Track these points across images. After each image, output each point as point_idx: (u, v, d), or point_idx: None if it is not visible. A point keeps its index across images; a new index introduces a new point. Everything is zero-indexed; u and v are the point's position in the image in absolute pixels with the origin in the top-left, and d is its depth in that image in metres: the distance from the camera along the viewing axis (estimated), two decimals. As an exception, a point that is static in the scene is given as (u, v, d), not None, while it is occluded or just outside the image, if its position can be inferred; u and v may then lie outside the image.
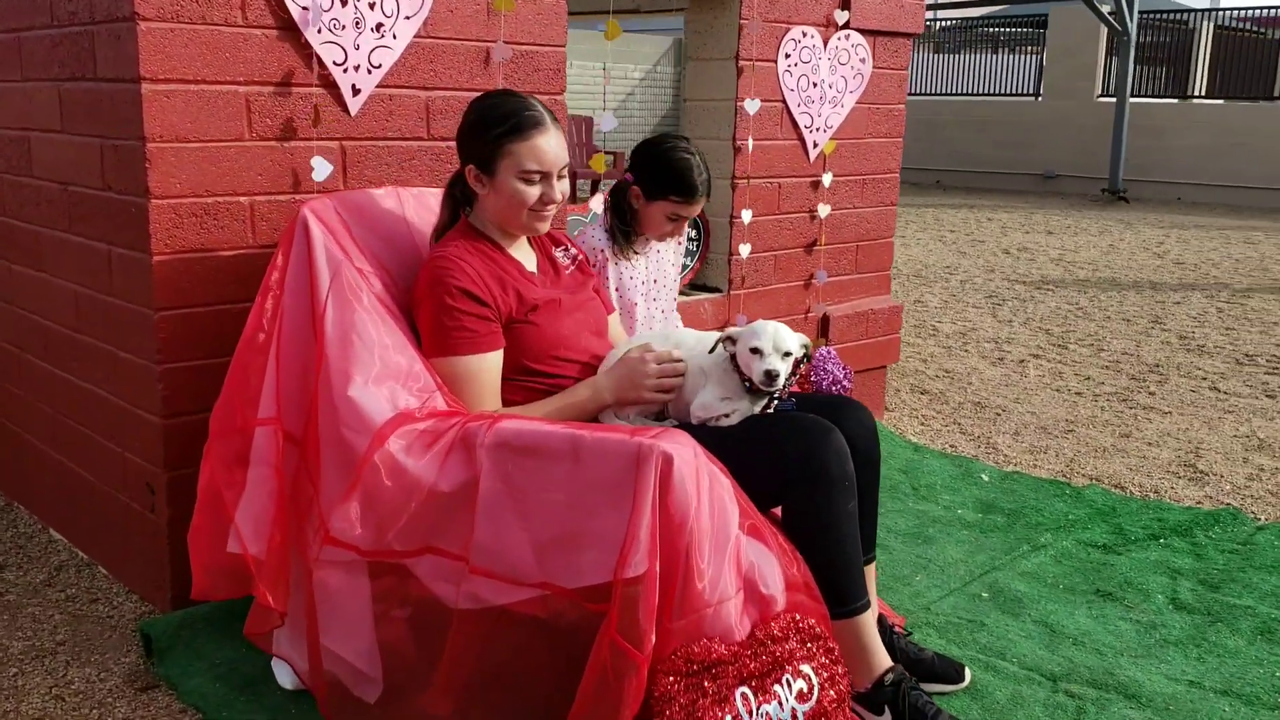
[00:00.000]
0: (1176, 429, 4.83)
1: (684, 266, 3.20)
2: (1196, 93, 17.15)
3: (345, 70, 2.88)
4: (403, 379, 2.33)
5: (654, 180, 3.00)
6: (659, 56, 20.31)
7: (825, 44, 4.13)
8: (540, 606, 2.16)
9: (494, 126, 2.44)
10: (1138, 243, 11.26)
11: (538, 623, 2.18)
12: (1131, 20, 14.67)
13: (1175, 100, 17.05)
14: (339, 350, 2.32)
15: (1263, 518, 3.81)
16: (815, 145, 4.20)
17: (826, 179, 4.28)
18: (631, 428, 2.23)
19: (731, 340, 2.44)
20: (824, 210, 4.29)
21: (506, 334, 2.46)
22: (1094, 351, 6.32)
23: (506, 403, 2.48)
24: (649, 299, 3.13)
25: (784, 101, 4.08)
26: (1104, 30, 16.21)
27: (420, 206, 2.80)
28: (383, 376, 2.31)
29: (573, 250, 2.78)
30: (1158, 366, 5.97)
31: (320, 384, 2.33)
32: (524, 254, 2.63)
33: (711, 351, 2.46)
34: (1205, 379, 5.72)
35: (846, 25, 4.18)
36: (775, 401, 2.45)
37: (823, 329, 4.39)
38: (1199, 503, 3.94)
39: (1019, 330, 6.91)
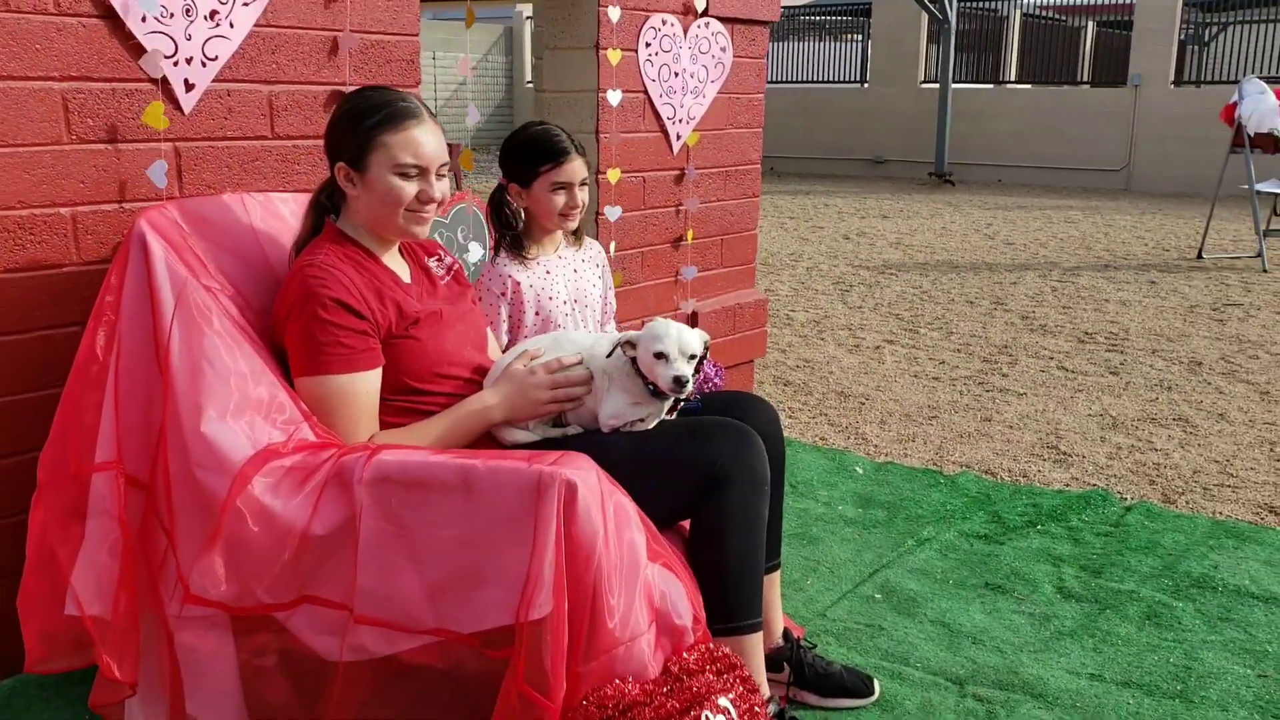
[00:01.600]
0: (1034, 410, 4.91)
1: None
2: (1009, 78, 17.84)
3: (176, 64, 2.59)
4: (264, 410, 2.08)
5: (521, 162, 2.80)
6: (490, 45, 19.95)
7: (686, 32, 4.00)
8: (436, 655, 1.96)
9: (365, 118, 2.22)
10: (968, 224, 11.60)
11: (435, 673, 1.98)
12: (951, 9, 15.13)
13: (991, 86, 17.70)
14: (188, 381, 2.06)
15: (1128, 497, 3.88)
16: (679, 137, 4.08)
17: (692, 172, 4.15)
18: (527, 453, 2.04)
19: (631, 344, 2.28)
20: (692, 204, 4.16)
21: (385, 350, 2.25)
22: (944, 335, 6.42)
23: (385, 426, 2.26)
24: (574, 321, 2.92)
25: (646, 92, 3.93)
26: (924, 18, 16.69)
27: (268, 214, 2.54)
28: (241, 409, 2.06)
29: (447, 259, 2.57)
30: (1006, 348, 6.09)
31: (168, 420, 2.06)
32: (397, 264, 2.41)
33: (609, 356, 2.30)
34: (1052, 359, 5.86)
35: (705, 13, 4.06)
36: (682, 402, 2.30)
37: (691, 325, 4.27)
38: (1067, 485, 3.99)
39: (870, 316, 6.97)
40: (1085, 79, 17.61)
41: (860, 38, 18.73)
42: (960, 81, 17.28)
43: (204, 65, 2.64)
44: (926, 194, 14.89)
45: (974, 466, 4.18)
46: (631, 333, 2.32)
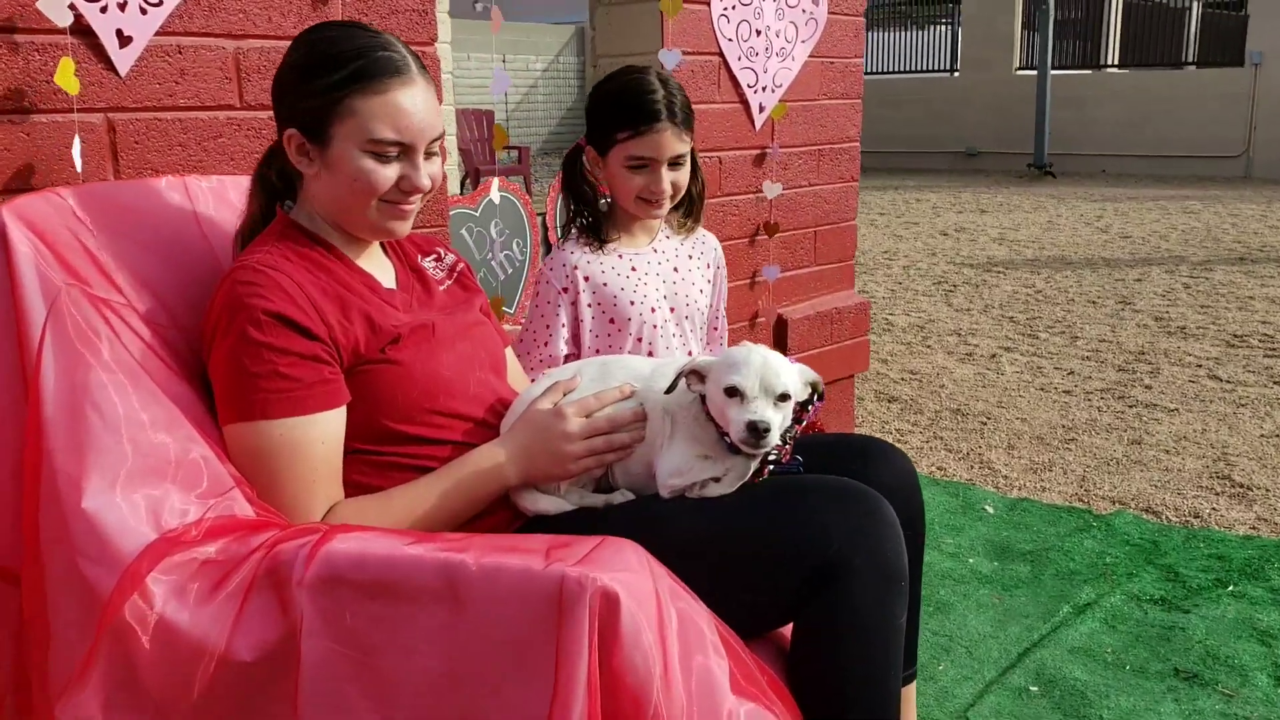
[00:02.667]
0: (1192, 430, 4.11)
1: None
2: (1110, 62, 16.77)
3: (105, 8, 1.98)
4: (173, 474, 1.45)
5: (598, 122, 2.14)
6: (561, 47, 19.44)
7: None
8: None
9: (328, 69, 1.60)
10: (1076, 218, 10.69)
11: None
12: (1049, -12, 14.18)
13: (1090, 71, 16.65)
14: (66, 434, 1.43)
15: (1338, 544, 3.08)
16: (762, 109, 3.38)
17: (776, 151, 3.45)
18: (547, 539, 1.38)
19: (699, 374, 1.61)
20: (773, 190, 3.46)
21: (354, 381, 1.61)
22: (1069, 340, 5.62)
23: (355, 489, 1.62)
24: (669, 340, 2.22)
25: (721, 54, 3.24)
26: (1019, 1, 15.74)
27: (220, 202, 1.91)
28: (138, 474, 1.42)
29: (448, 258, 1.92)
30: (1143, 354, 5.28)
31: (42, 488, 1.43)
32: (376, 264, 1.77)
33: (670, 391, 1.62)
34: (1200, 366, 5.04)
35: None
36: (772, 464, 1.62)
37: (778, 337, 3.57)
38: (1254, 529, 3.21)
39: (980, 319, 6.19)
40: (1191, 60, 16.46)
41: (949, 23, 17.79)
42: (1058, 68, 16.27)
43: (143, 12, 2.03)
44: (1025, 186, 13.94)
45: (1130, 504, 3.41)
46: (701, 358, 1.64)
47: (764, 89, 3.37)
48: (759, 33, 3.30)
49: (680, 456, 1.60)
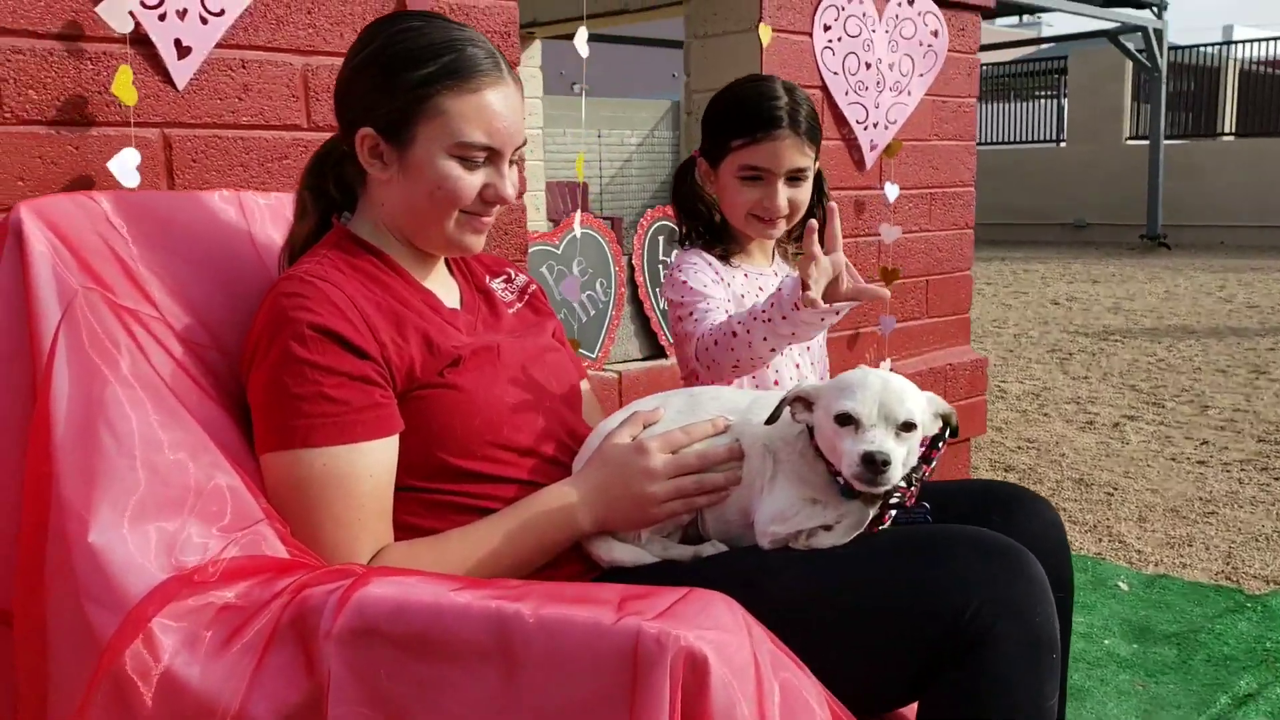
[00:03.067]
0: (1351, 505, 3.70)
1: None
2: (1226, 131, 16.20)
3: (163, 15, 1.85)
4: (192, 504, 1.25)
5: (716, 129, 1.93)
6: (656, 121, 19.57)
7: (881, 13, 3.10)
8: None
9: (416, 64, 1.43)
10: (1195, 288, 10.18)
11: None
12: (1161, 57, 13.76)
13: (1204, 140, 16.10)
14: (74, 457, 1.25)
15: None
16: (873, 147, 3.15)
17: (891, 192, 3.21)
18: (621, 589, 1.14)
19: (805, 402, 1.37)
20: (891, 234, 3.21)
21: (408, 408, 1.42)
22: (1198, 409, 5.21)
23: (406, 532, 1.41)
24: (791, 377, 1.97)
25: (824, 88, 3.03)
26: (1129, 70, 15.34)
27: (278, 220, 1.75)
28: (152, 503, 1.24)
29: (519, 279, 1.72)
30: (1285, 424, 4.85)
31: (50, 517, 1.25)
32: (440, 283, 1.58)
33: (772, 421, 1.38)
34: (1352, 437, 4.60)
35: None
36: (895, 508, 1.36)
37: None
38: None
39: (1100, 387, 5.80)
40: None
41: (1055, 94, 17.42)
42: (1170, 137, 15.77)
43: (204, 21, 1.90)
44: (1139, 258, 13.41)
45: (1288, 583, 3.04)
46: (808, 383, 1.40)
47: (875, 125, 3.14)
48: (869, 65, 3.09)
49: (784, 500, 1.36)
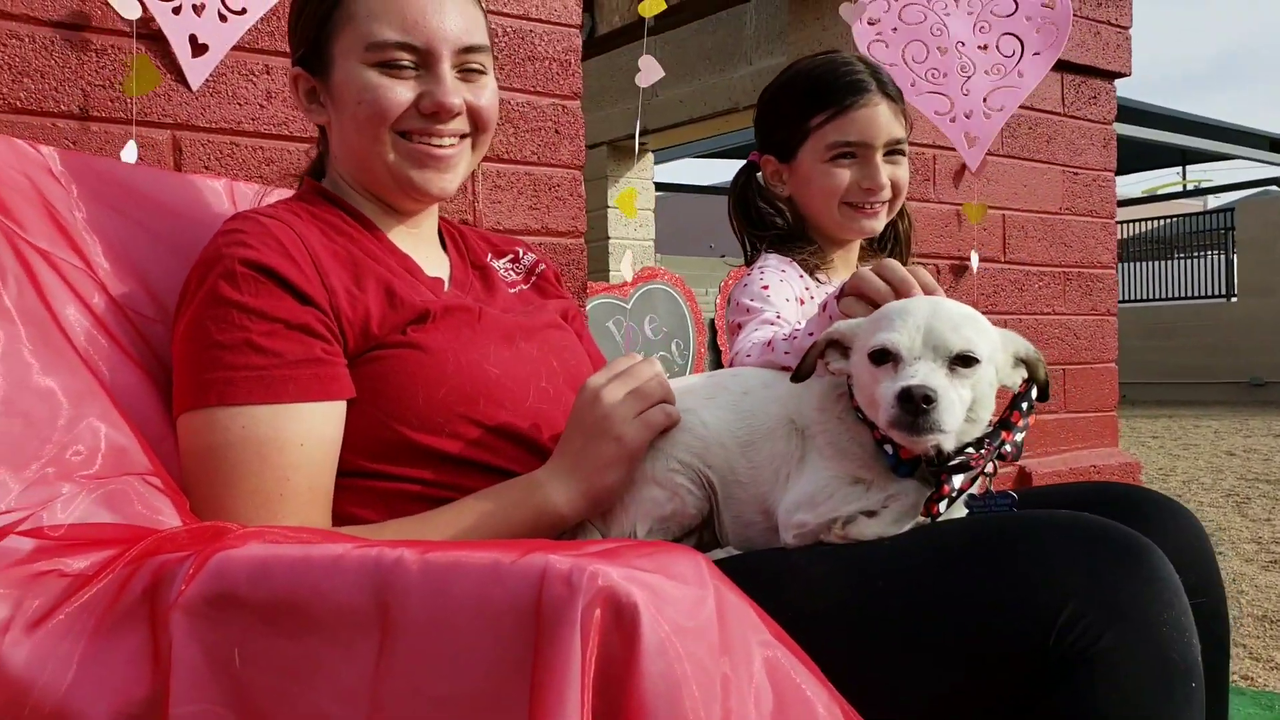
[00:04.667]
0: None
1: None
2: None
3: (179, 10, 1.72)
4: (48, 441, 1.00)
5: (781, 116, 1.68)
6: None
7: None
8: None
9: None
10: (1394, 441, 9.22)
11: None
12: (1336, 203, 12.98)
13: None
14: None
15: None
16: (972, 140, 2.78)
17: (974, 260, 2.83)
18: (567, 543, 0.84)
19: (840, 345, 1.05)
20: (974, 261, 2.81)
21: (362, 373, 1.17)
22: (1404, 551, 4.52)
23: (343, 521, 1.14)
24: None
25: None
26: (1302, 220, 14.54)
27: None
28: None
29: (527, 258, 1.47)
30: None
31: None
32: (425, 253, 1.34)
33: (800, 375, 1.07)
34: None
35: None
36: (955, 473, 1.01)
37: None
38: None
39: (1285, 529, 5.14)
40: None
41: (1221, 251, 16.60)
42: (1353, 290, 14.74)
43: (223, 19, 1.76)
44: (1325, 416, 12.34)
45: None
46: (845, 323, 1.08)
47: (968, 115, 2.76)
48: (943, 50, 2.74)
49: (816, 480, 1.03)
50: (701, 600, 0.71)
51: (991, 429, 1.02)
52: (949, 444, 0.99)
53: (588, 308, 2.21)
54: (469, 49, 1.24)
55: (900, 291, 1.08)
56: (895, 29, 2.69)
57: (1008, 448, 1.03)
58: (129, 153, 1.66)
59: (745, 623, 0.74)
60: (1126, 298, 17.51)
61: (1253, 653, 3.14)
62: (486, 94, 1.27)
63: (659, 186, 9.14)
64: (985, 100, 2.78)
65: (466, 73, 1.25)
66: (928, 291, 1.11)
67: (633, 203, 2.43)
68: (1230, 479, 7.06)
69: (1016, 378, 1.05)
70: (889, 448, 1.01)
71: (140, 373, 1.20)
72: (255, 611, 0.83)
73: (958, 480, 0.99)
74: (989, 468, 1.04)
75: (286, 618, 0.81)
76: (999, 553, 0.92)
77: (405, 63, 1.21)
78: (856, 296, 1.10)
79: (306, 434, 1.10)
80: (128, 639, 0.88)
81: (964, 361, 0.99)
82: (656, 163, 6.77)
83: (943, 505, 0.99)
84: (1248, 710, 2.62)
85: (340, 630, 0.78)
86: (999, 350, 1.02)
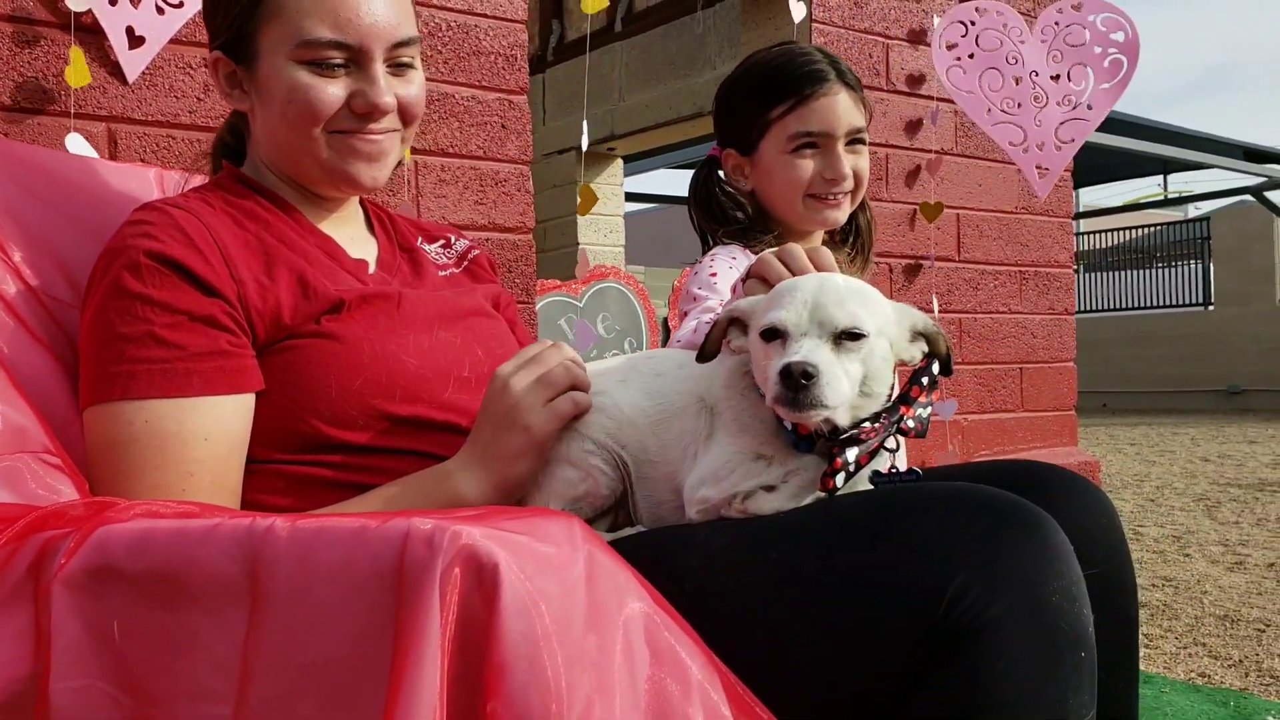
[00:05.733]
0: None
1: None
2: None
3: (115, 2, 1.72)
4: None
5: (740, 108, 1.67)
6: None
7: (1032, 24, 2.79)
8: None
9: None
10: (1367, 448, 9.27)
11: None
12: (1311, 212, 13.10)
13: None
14: None
15: None
16: (1043, 172, 2.79)
17: (930, 263, 2.84)
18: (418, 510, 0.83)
19: (739, 322, 1.06)
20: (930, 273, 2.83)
21: (271, 364, 1.16)
22: (1370, 553, 4.54)
23: (252, 508, 1.13)
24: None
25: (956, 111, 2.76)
26: (1278, 227, 14.65)
27: (203, 198, 1.54)
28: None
29: (459, 243, 1.46)
30: None
31: None
32: (349, 234, 1.34)
33: (704, 354, 1.07)
34: None
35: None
36: (857, 468, 1.02)
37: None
38: None
39: (1253, 531, 5.16)
40: None
41: (1199, 259, 16.70)
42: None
43: (160, 11, 1.76)
44: (1302, 424, 12.41)
45: None
46: (746, 299, 1.09)
47: (1040, 146, 2.75)
48: (1018, 80, 2.74)
49: (719, 456, 1.03)
50: (571, 560, 0.70)
51: (891, 403, 1.02)
52: (842, 418, 0.99)
53: (538, 306, 2.20)
54: (400, 44, 1.22)
55: (796, 274, 1.08)
56: (973, 55, 2.68)
57: (910, 422, 1.03)
58: (79, 146, 1.66)
59: (618, 585, 0.74)
60: (1108, 306, 17.60)
61: (1212, 651, 3.14)
62: (415, 87, 1.26)
63: (631, 196, 9.16)
64: (1056, 132, 2.76)
65: (397, 67, 1.24)
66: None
67: (590, 201, 2.42)
68: (1203, 484, 7.10)
69: (915, 352, 1.05)
70: (789, 423, 1.01)
71: (49, 356, 1.19)
72: (134, 584, 0.82)
73: (851, 454, 0.99)
74: (890, 443, 1.04)
75: (163, 589, 0.80)
76: (891, 526, 0.92)
77: (336, 61, 1.19)
78: (759, 279, 1.10)
79: (211, 428, 1.10)
80: (14, 616, 0.87)
81: (850, 336, 1.00)
82: (629, 174, 6.78)
83: (839, 479, 0.99)
84: (1202, 707, 2.61)
85: (214, 600, 0.78)
86: (892, 324, 1.03)
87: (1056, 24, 2.79)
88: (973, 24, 2.69)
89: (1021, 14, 2.79)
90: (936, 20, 2.66)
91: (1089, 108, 2.79)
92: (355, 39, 1.19)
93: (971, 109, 2.67)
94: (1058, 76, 2.78)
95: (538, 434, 1.12)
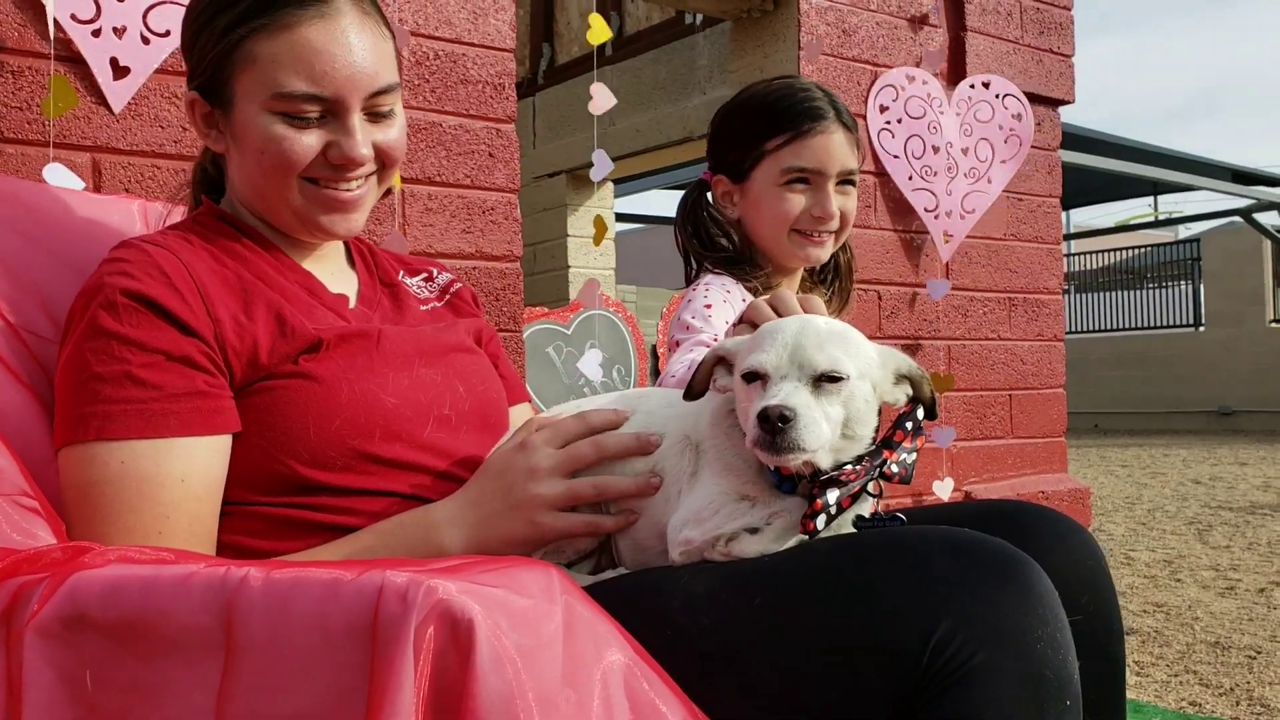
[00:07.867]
0: None
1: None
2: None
3: (98, 34, 1.72)
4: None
5: (742, 135, 1.67)
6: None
7: (950, 96, 2.85)
8: None
9: (225, 6, 1.19)
10: (1358, 469, 9.29)
11: None
12: (1301, 233, 13.16)
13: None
14: None
15: None
16: (948, 238, 2.84)
17: (937, 288, 2.86)
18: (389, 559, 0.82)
19: (725, 362, 1.05)
20: (939, 288, 2.84)
21: (249, 404, 1.15)
22: (1362, 577, 4.54)
23: (230, 550, 1.12)
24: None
25: (882, 173, 2.77)
26: (1267, 251, 14.71)
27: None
28: None
29: (441, 277, 1.46)
30: None
31: None
32: (329, 270, 1.33)
33: (691, 393, 1.07)
34: None
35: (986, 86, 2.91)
36: (839, 511, 1.01)
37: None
38: None
39: (1244, 556, 5.16)
40: None
41: (1189, 281, 16.76)
42: (1319, 320, 14.91)
43: (145, 41, 1.76)
44: (1293, 445, 12.43)
45: None
46: (733, 339, 1.08)
47: (948, 214, 2.83)
48: (936, 149, 2.80)
49: (703, 496, 1.02)
50: (548, 614, 0.69)
51: (874, 447, 1.02)
52: (824, 461, 0.98)
53: (526, 334, 2.19)
54: (379, 92, 1.21)
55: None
56: (900, 120, 2.75)
57: (893, 467, 1.02)
58: (59, 176, 1.65)
59: (597, 637, 0.73)
60: (1099, 327, 17.64)
61: (1203, 679, 3.13)
62: (395, 131, 1.25)
63: (621, 217, 9.17)
64: (962, 202, 2.83)
65: (375, 115, 1.23)
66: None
67: (603, 231, 2.44)
68: (1194, 507, 7.10)
69: (899, 395, 1.04)
70: (775, 470, 1.00)
71: (29, 395, 1.18)
72: (107, 632, 0.81)
73: (832, 495, 0.99)
74: (871, 487, 1.03)
75: (137, 638, 0.79)
76: (874, 570, 0.91)
77: (311, 114, 1.18)
78: (750, 325, 1.10)
79: (188, 470, 1.08)
80: (-21, 664, 0.86)
81: (830, 379, 0.99)
82: (618, 195, 6.79)
83: (819, 522, 0.98)
84: (1193, 736, 2.60)
85: (188, 650, 0.77)
86: (875, 367, 1.02)
87: (969, 99, 2.88)
88: (902, 89, 2.76)
89: (943, 87, 2.86)
90: (881, 84, 2.72)
91: (989, 181, 2.88)
92: (331, 91, 1.17)
93: (896, 173, 2.75)
94: (966, 150, 2.86)
95: (544, 532, 1.11)
